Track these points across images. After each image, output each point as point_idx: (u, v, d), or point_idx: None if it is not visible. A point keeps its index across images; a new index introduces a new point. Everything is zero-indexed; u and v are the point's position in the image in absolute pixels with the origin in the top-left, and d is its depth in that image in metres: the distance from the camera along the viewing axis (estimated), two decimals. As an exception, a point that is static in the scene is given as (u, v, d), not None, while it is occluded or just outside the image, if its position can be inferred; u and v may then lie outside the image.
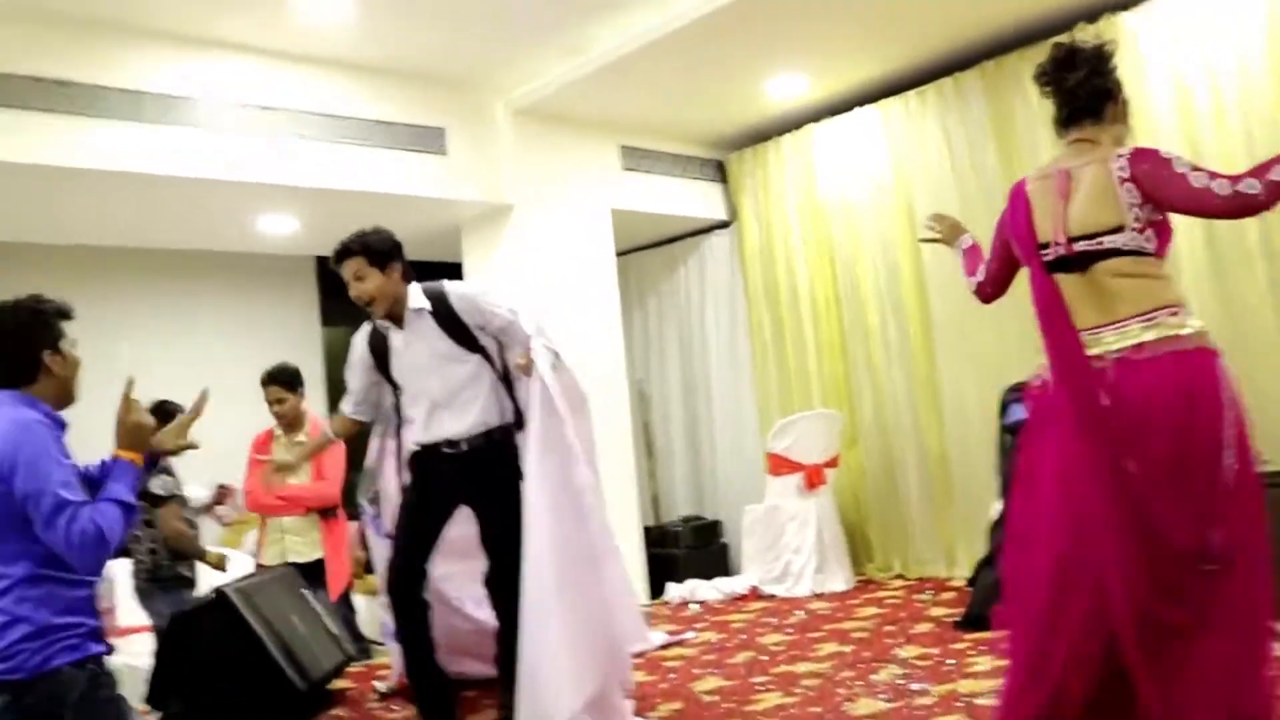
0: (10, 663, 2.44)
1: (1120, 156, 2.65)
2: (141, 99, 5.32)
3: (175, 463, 4.81)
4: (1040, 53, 5.72)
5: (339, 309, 8.48)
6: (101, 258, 6.99)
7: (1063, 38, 3.03)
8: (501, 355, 3.91)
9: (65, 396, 2.65)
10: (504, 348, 3.92)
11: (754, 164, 7.61)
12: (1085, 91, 2.79)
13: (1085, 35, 5.61)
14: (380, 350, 3.94)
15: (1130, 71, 5.17)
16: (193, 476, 7.17)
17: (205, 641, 3.81)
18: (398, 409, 4.06)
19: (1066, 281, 2.74)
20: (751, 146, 7.62)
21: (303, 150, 5.89)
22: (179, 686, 3.80)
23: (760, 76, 6.56)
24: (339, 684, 4.54)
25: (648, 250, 8.42)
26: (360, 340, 4.03)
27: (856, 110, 6.92)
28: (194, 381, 7.53)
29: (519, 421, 3.90)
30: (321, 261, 8.27)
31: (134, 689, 3.92)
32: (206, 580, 5.05)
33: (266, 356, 7.95)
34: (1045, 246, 2.75)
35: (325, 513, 5.25)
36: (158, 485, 4.90)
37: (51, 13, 5.04)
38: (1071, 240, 2.70)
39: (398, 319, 3.84)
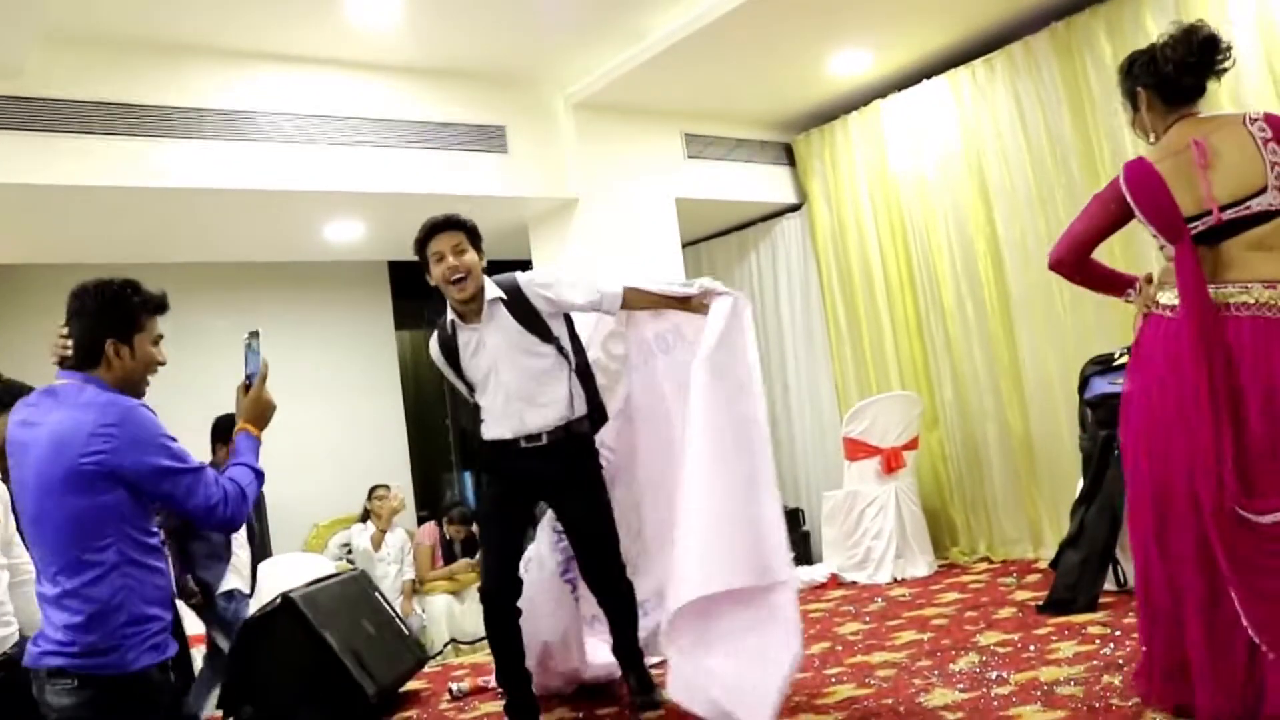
0: (107, 657, 2.36)
1: (1254, 120, 2.75)
2: (204, 116, 5.41)
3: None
4: (1112, 9, 5.62)
5: (412, 312, 8.60)
6: (172, 274, 7.05)
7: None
8: (574, 348, 3.87)
9: (127, 391, 2.54)
10: (577, 341, 3.90)
11: (821, 144, 7.47)
12: (1197, 72, 2.90)
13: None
14: (451, 349, 3.89)
15: (1212, 18, 4.97)
16: (270, 480, 7.32)
17: (275, 647, 3.85)
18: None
19: (1226, 246, 2.79)
20: (818, 127, 7.48)
21: (364, 156, 5.93)
22: (251, 692, 3.84)
23: (822, 54, 6.42)
24: (411, 685, 4.55)
25: (718, 238, 8.34)
26: (434, 348, 3.99)
27: (924, 83, 6.74)
28: (275, 390, 7.69)
29: (596, 416, 3.90)
30: (393, 266, 8.36)
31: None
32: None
33: (342, 362, 8.15)
34: (1192, 220, 2.78)
35: None
36: None
37: (110, 37, 5.16)
38: (1221, 209, 2.75)
39: (473, 312, 3.79)
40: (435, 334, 3.97)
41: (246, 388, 2.72)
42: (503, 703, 3.88)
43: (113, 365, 2.52)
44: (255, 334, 2.75)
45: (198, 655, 5.60)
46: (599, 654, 4.23)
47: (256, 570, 5.12)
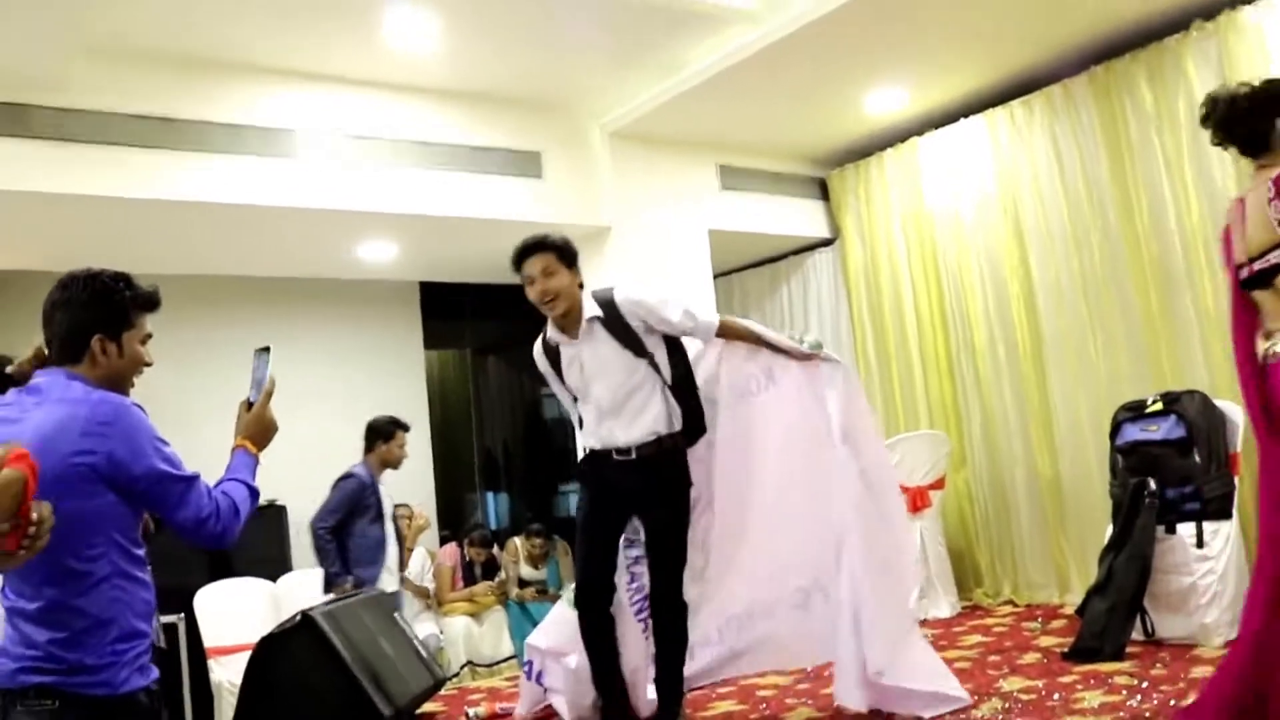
0: (97, 676, 2.17)
1: (1272, 181, 2.90)
2: (242, 132, 5.46)
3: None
4: (1153, 55, 5.60)
5: (441, 332, 8.62)
6: (206, 288, 7.20)
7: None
8: (670, 362, 3.91)
9: (113, 390, 2.34)
10: (680, 355, 3.95)
11: (856, 180, 7.46)
12: (1248, 128, 3.09)
13: (1203, 33, 5.42)
14: (554, 360, 3.99)
15: (1256, 67, 4.97)
16: (296, 495, 7.34)
17: (293, 665, 3.84)
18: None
19: (1260, 296, 3.00)
20: (853, 162, 7.47)
21: (400, 178, 5.97)
22: (268, 708, 3.83)
23: (859, 90, 6.42)
24: (428, 707, 4.53)
25: (750, 270, 8.34)
26: (539, 354, 4.06)
27: (961, 122, 6.72)
28: (301, 407, 7.73)
29: (691, 431, 3.94)
30: (424, 286, 8.40)
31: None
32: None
33: (370, 380, 8.17)
34: (1240, 266, 3.03)
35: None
36: None
37: (151, 52, 5.22)
38: (1251, 260, 2.98)
39: (570, 326, 3.86)
40: (539, 340, 4.04)
41: (250, 404, 2.56)
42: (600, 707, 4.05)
43: (98, 362, 2.32)
44: (265, 350, 2.62)
45: (215, 666, 5.63)
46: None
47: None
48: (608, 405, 3.83)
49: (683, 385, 3.93)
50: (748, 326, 4.12)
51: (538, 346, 4.04)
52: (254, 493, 2.45)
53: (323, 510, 5.47)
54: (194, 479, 2.31)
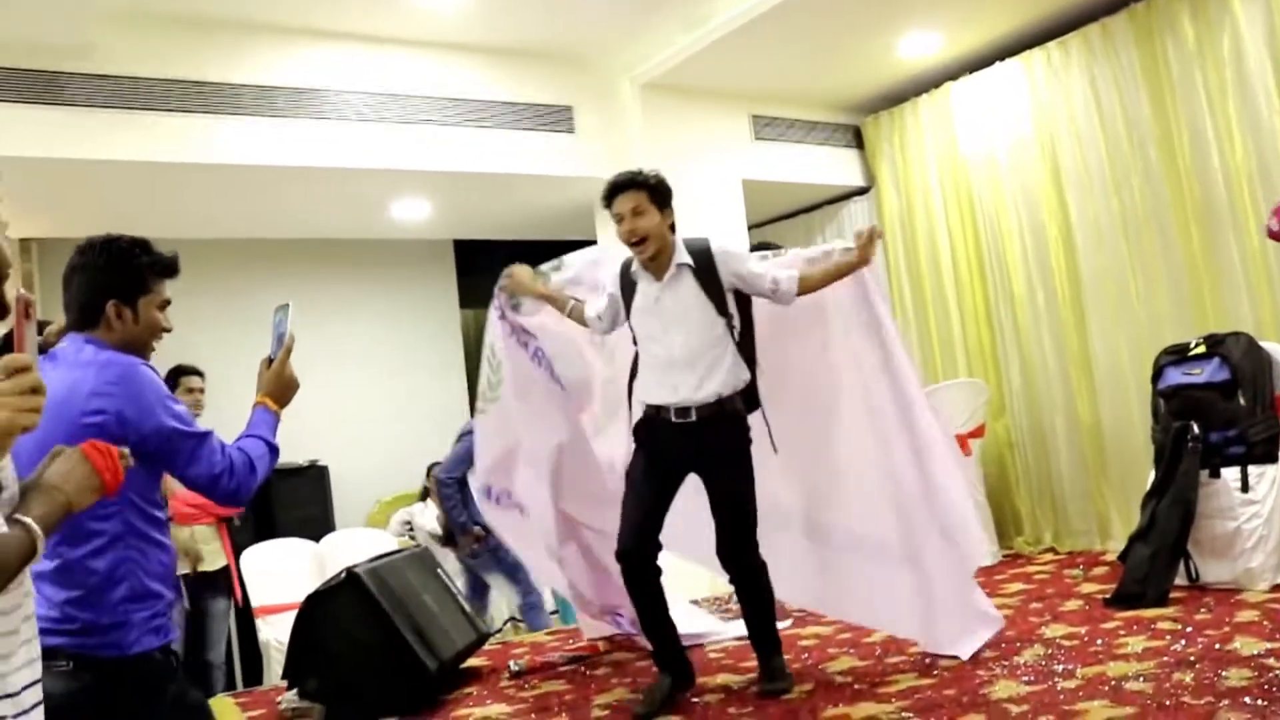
0: (107, 636, 2.17)
1: None
2: (273, 93, 5.48)
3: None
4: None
5: (477, 290, 8.62)
6: (239, 249, 7.26)
7: None
8: (745, 322, 3.86)
9: (132, 356, 2.33)
10: (748, 319, 3.91)
11: (890, 127, 7.37)
12: None
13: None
14: (627, 290, 3.89)
15: None
16: (337, 455, 7.41)
17: (339, 621, 3.90)
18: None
19: None
20: (887, 109, 7.38)
21: (432, 135, 5.96)
22: (315, 665, 3.89)
23: (892, 35, 6.32)
24: (472, 662, 4.58)
25: (784, 220, 8.27)
26: (614, 275, 3.97)
27: (996, 65, 6.61)
28: (340, 366, 7.79)
29: (751, 397, 3.87)
30: (458, 245, 8.41)
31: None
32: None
33: (407, 339, 8.22)
34: None
35: (225, 519, 4.97)
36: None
37: (178, 16, 5.25)
38: None
39: (658, 269, 3.78)
40: (623, 262, 3.93)
41: (270, 361, 2.52)
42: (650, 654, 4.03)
43: (113, 328, 2.32)
44: (284, 307, 2.55)
45: (262, 625, 5.72)
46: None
47: None
48: (681, 356, 3.72)
49: (746, 351, 3.86)
50: (814, 276, 3.90)
51: (617, 267, 3.94)
52: (273, 449, 2.43)
53: (447, 463, 5.63)
54: (206, 435, 2.29)
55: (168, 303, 2.43)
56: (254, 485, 2.35)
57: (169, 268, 2.42)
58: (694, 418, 3.74)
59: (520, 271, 4.14)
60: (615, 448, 4.27)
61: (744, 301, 3.92)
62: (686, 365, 3.74)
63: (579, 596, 4.42)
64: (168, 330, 2.43)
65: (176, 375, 4.79)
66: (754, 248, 4.46)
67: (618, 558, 3.84)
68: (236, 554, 5.11)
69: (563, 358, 4.32)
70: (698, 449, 3.78)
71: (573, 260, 4.28)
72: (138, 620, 2.21)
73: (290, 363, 2.51)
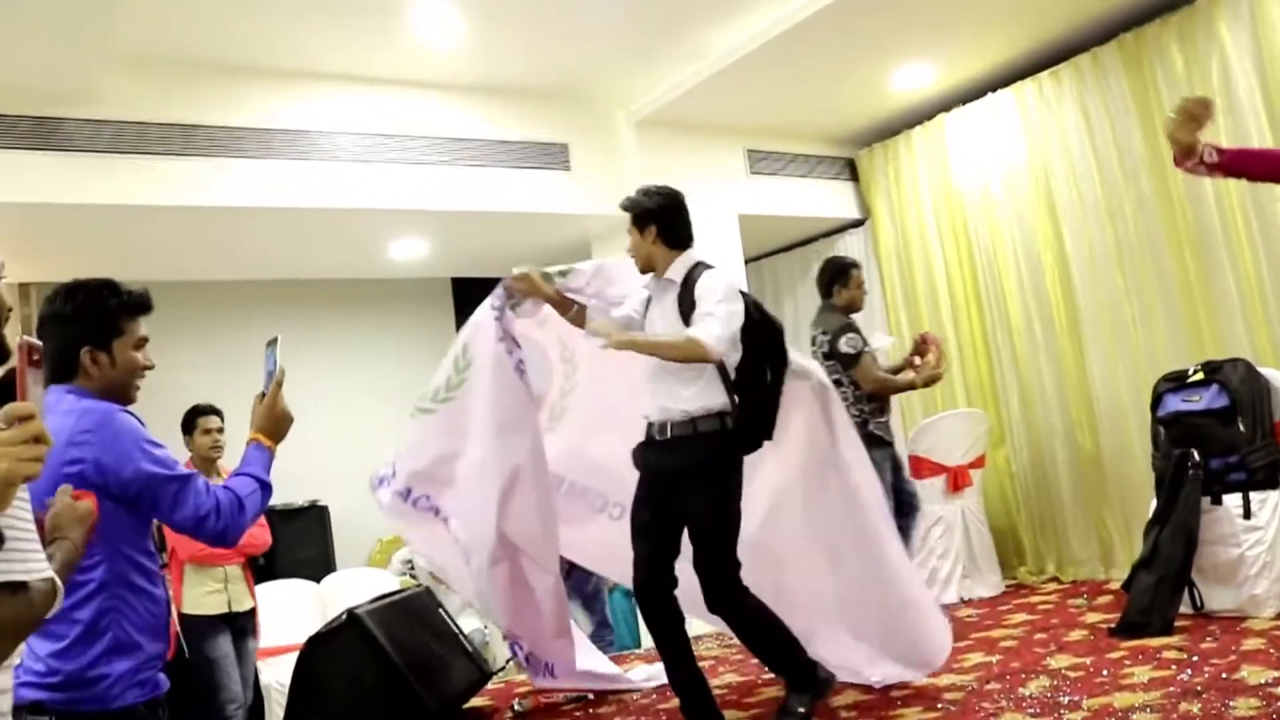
0: (87, 690, 2.12)
1: None
2: (271, 136, 5.52)
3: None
4: (1184, 19, 5.52)
5: (475, 328, 8.64)
6: (241, 291, 7.27)
7: None
8: (750, 352, 3.80)
9: (114, 399, 2.32)
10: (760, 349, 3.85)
11: (885, 159, 7.41)
12: None
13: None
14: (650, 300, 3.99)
15: None
16: (337, 495, 7.38)
17: (341, 661, 3.88)
18: None
19: None
20: (881, 141, 7.43)
21: (429, 174, 6.00)
22: (317, 705, 3.87)
23: (884, 68, 6.38)
24: (475, 702, 4.56)
25: (780, 254, 8.31)
26: (648, 279, 4.01)
27: (989, 96, 6.67)
28: (338, 406, 7.78)
29: (750, 431, 3.81)
30: (456, 283, 8.42)
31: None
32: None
33: (406, 377, 8.17)
34: None
35: (251, 559, 4.92)
36: (845, 345, 5.08)
37: (178, 61, 5.31)
38: None
39: (655, 279, 3.90)
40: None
41: (262, 396, 2.49)
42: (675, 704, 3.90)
43: (91, 375, 2.29)
44: (274, 341, 2.51)
45: (263, 667, 5.68)
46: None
47: None
48: (655, 369, 3.74)
49: (752, 382, 3.79)
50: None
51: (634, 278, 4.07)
52: (264, 486, 2.39)
53: None
54: (188, 478, 2.27)
55: (144, 340, 2.39)
56: (244, 524, 2.31)
57: (139, 305, 2.39)
58: (669, 434, 3.73)
59: (532, 272, 4.15)
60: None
61: (768, 336, 3.87)
62: (658, 378, 3.75)
63: (489, 611, 4.36)
64: (149, 368, 2.40)
65: (193, 416, 4.77)
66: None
67: (635, 592, 3.81)
68: None
69: (536, 370, 4.33)
70: (672, 471, 3.73)
71: (583, 268, 4.29)
72: (120, 673, 2.17)
73: (282, 396, 2.48)
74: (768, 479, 4.10)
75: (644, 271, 3.93)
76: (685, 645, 3.78)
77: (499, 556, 4.05)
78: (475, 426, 4.12)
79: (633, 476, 3.88)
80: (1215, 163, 2.91)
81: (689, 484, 3.70)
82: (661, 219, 3.87)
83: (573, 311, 4.14)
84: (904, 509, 5.32)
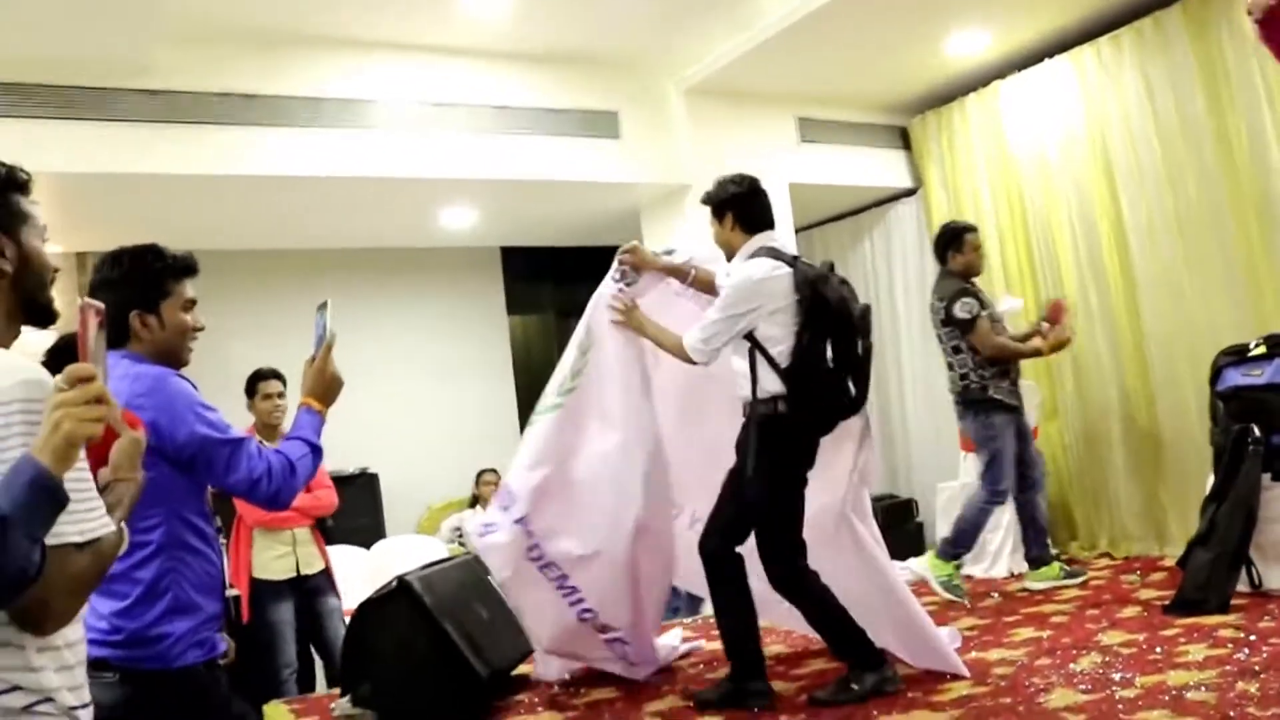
0: (150, 649, 2.18)
1: None
2: (321, 105, 5.54)
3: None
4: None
5: (524, 297, 8.66)
6: (291, 260, 7.32)
7: None
8: (799, 335, 3.78)
9: (167, 362, 2.37)
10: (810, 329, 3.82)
11: (938, 128, 7.30)
12: None
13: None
14: None
15: None
16: (388, 462, 7.44)
17: (392, 628, 3.91)
18: None
19: None
20: (934, 110, 7.31)
21: (478, 143, 5.99)
22: (368, 671, 3.91)
23: (938, 34, 6.26)
24: (523, 669, 4.58)
25: (831, 223, 8.23)
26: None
27: (1046, 62, 6.53)
28: (388, 374, 7.83)
29: (796, 403, 3.78)
30: (505, 251, 8.44)
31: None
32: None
33: (455, 346, 8.25)
34: None
35: (319, 521, 4.96)
36: (960, 310, 5.13)
37: (229, 31, 5.33)
38: None
39: None
40: None
41: (312, 361, 2.50)
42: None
43: (142, 338, 2.35)
44: (324, 305, 2.51)
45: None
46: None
47: None
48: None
49: (810, 364, 3.76)
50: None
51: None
52: (315, 450, 2.41)
53: None
54: (241, 440, 2.30)
55: (193, 302, 2.43)
56: (296, 487, 2.35)
57: (185, 268, 2.42)
58: (744, 415, 3.83)
59: (640, 247, 4.18)
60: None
61: (818, 311, 3.81)
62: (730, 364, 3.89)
63: (615, 616, 4.12)
64: (199, 329, 2.43)
65: (255, 381, 4.83)
66: None
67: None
68: None
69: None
70: (736, 449, 3.83)
71: (681, 248, 4.39)
72: (182, 633, 2.22)
73: (332, 360, 2.49)
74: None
75: (730, 259, 3.98)
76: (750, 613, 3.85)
77: (630, 551, 3.97)
78: (612, 405, 4.01)
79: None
80: None
81: (742, 464, 3.80)
82: (736, 205, 3.96)
83: (690, 277, 4.19)
84: (1025, 483, 5.30)
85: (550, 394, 4.09)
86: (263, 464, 2.29)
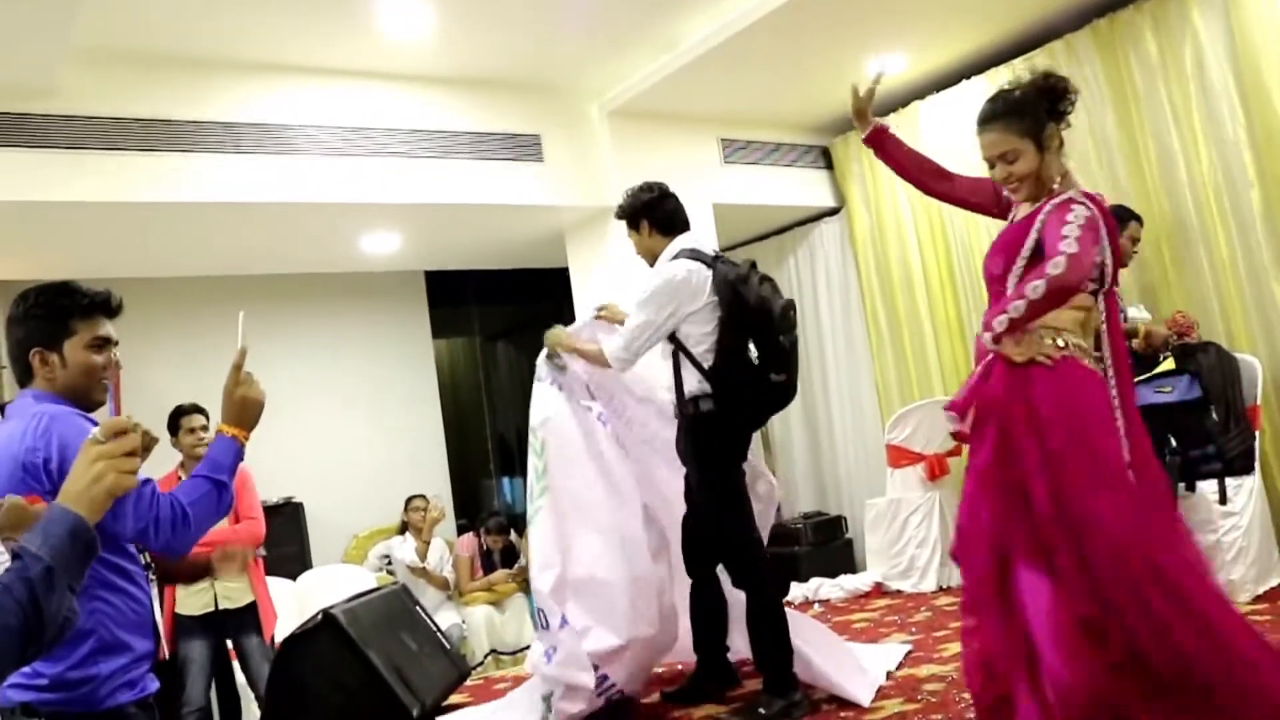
0: (76, 691, 2.10)
1: None
2: (238, 130, 5.44)
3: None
4: (1158, 5, 5.51)
5: (449, 321, 8.60)
6: (213, 287, 7.17)
7: None
8: (719, 329, 3.89)
9: (76, 402, 2.27)
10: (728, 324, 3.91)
11: (859, 147, 7.33)
12: None
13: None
14: None
15: (1263, 11, 4.95)
16: (312, 491, 7.31)
17: (318, 664, 3.82)
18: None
19: None
20: (855, 130, 7.37)
21: (399, 167, 5.93)
22: (293, 709, 3.81)
23: (858, 57, 6.32)
24: (455, 699, 4.52)
25: (756, 243, 8.27)
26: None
27: (963, 83, 6.64)
28: (312, 402, 7.69)
29: (694, 400, 3.87)
30: (429, 275, 8.37)
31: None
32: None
33: (380, 372, 8.16)
34: None
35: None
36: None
37: (143, 55, 5.22)
38: None
39: None
40: None
41: None
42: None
43: (44, 376, 2.27)
44: (237, 317, 2.30)
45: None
46: None
47: None
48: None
49: (732, 362, 3.87)
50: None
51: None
52: (218, 486, 2.24)
53: None
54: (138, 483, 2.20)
55: (104, 341, 2.31)
56: (189, 535, 2.19)
57: (94, 305, 2.31)
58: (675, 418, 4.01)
59: (555, 329, 4.22)
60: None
61: (737, 308, 3.88)
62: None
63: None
64: (104, 368, 2.29)
65: (177, 416, 4.70)
66: None
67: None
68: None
69: (618, 415, 4.38)
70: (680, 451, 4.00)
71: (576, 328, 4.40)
72: (109, 673, 2.14)
73: (248, 379, 2.30)
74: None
75: (652, 266, 4.03)
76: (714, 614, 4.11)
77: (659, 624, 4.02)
78: (586, 500, 4.00)
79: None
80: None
81: (688, 464, 3.96)
82: (649, 211, 4.05)
83: (595, 351, 4.09)
84: None
85: (533, 495, 4.01)
86: (151, 514, 2.13)
